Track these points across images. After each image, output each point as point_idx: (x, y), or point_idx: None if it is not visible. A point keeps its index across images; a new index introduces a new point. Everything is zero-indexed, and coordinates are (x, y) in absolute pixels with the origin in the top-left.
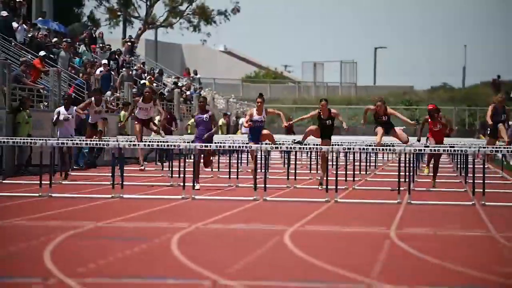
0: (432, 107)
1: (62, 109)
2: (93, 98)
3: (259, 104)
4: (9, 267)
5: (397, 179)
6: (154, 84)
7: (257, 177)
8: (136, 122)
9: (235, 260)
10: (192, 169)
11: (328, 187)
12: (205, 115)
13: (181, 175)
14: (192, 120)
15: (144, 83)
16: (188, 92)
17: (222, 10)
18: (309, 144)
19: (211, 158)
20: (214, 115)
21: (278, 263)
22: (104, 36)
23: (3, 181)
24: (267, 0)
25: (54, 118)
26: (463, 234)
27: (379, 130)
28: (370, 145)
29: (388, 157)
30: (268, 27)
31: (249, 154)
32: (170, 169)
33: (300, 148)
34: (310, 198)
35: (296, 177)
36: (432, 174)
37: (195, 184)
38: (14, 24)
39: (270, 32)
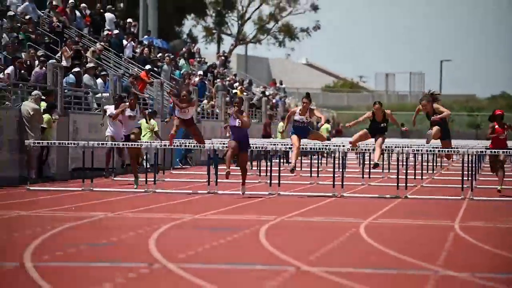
0: (500, 112)
1: (111, 107)
2: (127, 104)
3: (304, 104)
4: (119, 253)
5: (461, 178)
6: (245, 93)
7: (335, 175)
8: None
9: (315, 249)
10: (277, 169)
11: (399, 184)
12: (238, 121)
13: (268, 174)
14: (281, 124)
15: (236, 92)
16: (274, 100)
17: (304, 27)
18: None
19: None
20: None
21: (354, 252)
22: (200, 51)
23: (114, 178)
24: (344, 19)
25: (103, 116)
26: None
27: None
28: (436, 147)
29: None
30: (345, 42)
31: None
32: (258, 168)
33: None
34: (382, 194)
35: (370, 176)
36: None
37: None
38: (124, 42)
39: (346, 46)
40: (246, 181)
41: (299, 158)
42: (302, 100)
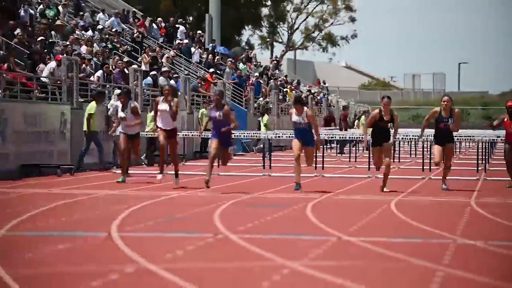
0: (511, 104)
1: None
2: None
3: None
4: (189, 226)
5: (476, 161)
6: (293, 92)
7: (370, 160)
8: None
9: (354, 222)
10: (321, 154)
11: (424, 167)
12: (218, 113)
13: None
14: (266, 117)
15: (286, 91)
16: (318, 97)
17: (344, 36)
18: (409, 135)
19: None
20: (229, 110)
21: (386, 224)
22: (256, 56)
23: (185, 164)
24: (378, 28)
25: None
26: None
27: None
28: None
29: (468, 145)
30: (378, 47)
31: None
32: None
33: (403, 137)
34: (410, 176)
35: (400, 160)
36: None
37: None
38: (192, 49)
39: (379, 50)
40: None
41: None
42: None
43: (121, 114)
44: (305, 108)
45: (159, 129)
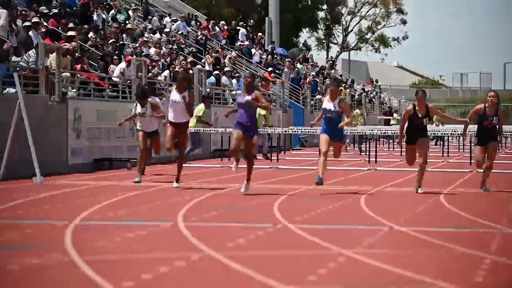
0: None
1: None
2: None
3: (332, 88)
4: (250, 216)
5: None
6: (348, 90)
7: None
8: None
9: (405, 213)
10: (374, 149)
11: (471, 161)
12: (247, 97)
13: (367, 153)
14: (357, 111)
15: (341, 89)
16: (371, 95)
17: (396, 37)
18: (456, 131)
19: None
20: (260, 95)
21: (436, 215)
22: (313, 57)
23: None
24: (427, 29)
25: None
26: None
27: None
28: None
29: None
30: (428, 48)
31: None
32: (359, 147)
33: (451, 133)
34: (458, 169)
35: (449, 154)
36: None
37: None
38: (253, 50)
39: (429, 50)
40: (251, 175)
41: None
42: (330, 86)
43: (139, 109)
44: (341, 95)
45: (168, 124)
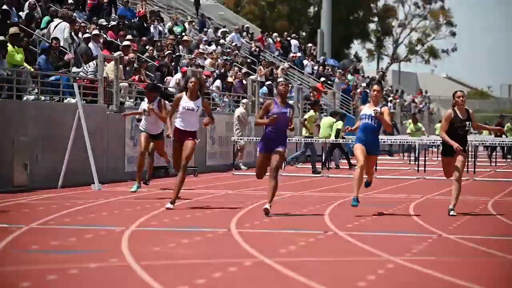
0: None
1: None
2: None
3: (375, 93)
4: (300, 223)
5: None
6: (397, 100)
7: (468, 163)
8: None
9: (453, 221)
10: (423, 159)
11: None
12: (285, 109)
13: (416, 162)
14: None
15: (390, 100)
16: (421, 106)
17: (445, 49)
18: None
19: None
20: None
21: (484, 223)
22: (364, 68)
23: (297, 166)
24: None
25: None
26: None
27: None
28: None
29: None
30: (477, 59)
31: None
32: (409, 157)
33: (498, 143)
34: (508, 178)
35: (497, 163)
36: None
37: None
38: (305, 61)
39: (478, 62)
40: (274, 197)
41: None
42: (373, 88)
43: (144, 105)
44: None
45: (172, 133)
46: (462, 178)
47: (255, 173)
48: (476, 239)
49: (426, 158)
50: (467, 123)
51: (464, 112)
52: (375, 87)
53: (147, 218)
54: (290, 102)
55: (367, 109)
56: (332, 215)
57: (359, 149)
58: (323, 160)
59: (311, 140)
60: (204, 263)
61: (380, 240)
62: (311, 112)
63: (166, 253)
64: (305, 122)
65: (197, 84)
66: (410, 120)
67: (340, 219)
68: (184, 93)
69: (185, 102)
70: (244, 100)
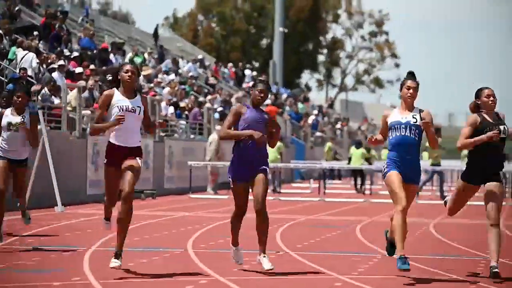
0: None
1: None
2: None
3: (410, 92)
4: (253, 244)
5: None
6: (345, 128)
7: None
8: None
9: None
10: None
11: None
12: (258, 114)
13: (362, 186)
14: (329, 144)
15: (338, 128)
16: (366, 133)
17: (390, 79)
18: None
19: None
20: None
21: (425, 243)
22: (314, 97)
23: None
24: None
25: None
26: None
27: None
28: None
29: None
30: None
31: None
32: (355, 182)
33: None
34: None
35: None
36: None
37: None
38: None
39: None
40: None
41: None
42: (406, 84)
43: (9, 117)
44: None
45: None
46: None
47: (235, 211)
48: (418, 259)
49: (372, 182)
50: (503, 127)
51: (494, 116)
52: (409, 82)
53: (108, 239)
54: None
55: (399, 115)
56: (283, 236)
57: (396, 182)
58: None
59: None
60: (162, 281)
61: (329, 260)
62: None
63: (125, 272)
64: None
65: (135, 74)
66: (354, 146)
67: (290, 239)
68: (115, 89)
69: (119, 100)
70: (218, 127)
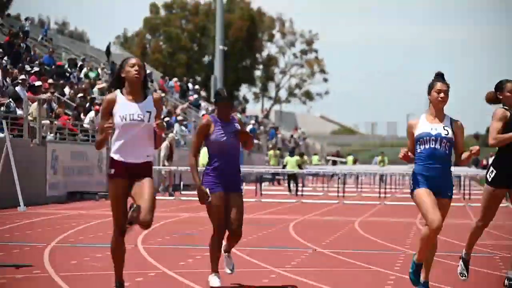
0: None
1: None
2: None
3: (441, 93)
4: (196, 240)
5: None
6: (279, 136)
7: None
8: None
9: (325, 238)
10: (301, 185)
11: None
12: (229, 126)
13: (296, 187)
14: (272, 152)
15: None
16: (298, 140)
17: (319, 92)
18: None
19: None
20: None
21: (351, 239)
22: (251, 108)
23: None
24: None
25: None
26: None
27: None
28: None
29: None
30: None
31: None
32: (288, 185)
33: None
34: (370, 201)
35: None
36: None
37: None
38: (201, 102)
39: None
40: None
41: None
42: (435, 86)
43: None
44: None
45: (113, 170)
46: (335, 202)
47: (213, 230)
48: (345, 253)
49: (304, 184)
50: None
51: None
52: (439, 84)
53: (66, 236)
54: None
55: (428, 124)
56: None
57: (427, 202)
58: None
59: None
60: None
61: (265, 254)
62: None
63: (81, 266)
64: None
65: (144, 70)
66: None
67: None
68: (118, 91)
69: (124, 106)
70: (170, 135)
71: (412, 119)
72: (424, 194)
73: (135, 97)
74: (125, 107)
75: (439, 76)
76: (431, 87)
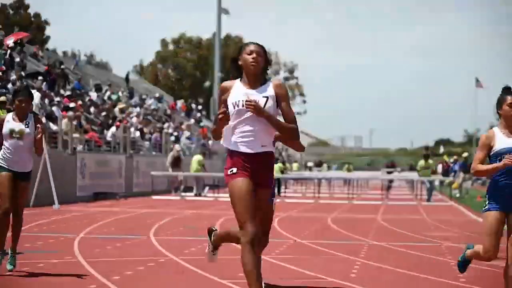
0: None
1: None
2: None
3: None
4: (197, 231)
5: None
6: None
7: None
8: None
9: (304, 230)
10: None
11: None
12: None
13: (284, 189)
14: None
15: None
16: (280, 149)
17: (299, 112)
18: None
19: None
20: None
21: (324, 232)
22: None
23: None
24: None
25: None
26: None
27: None
28: None
29: None
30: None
31: None
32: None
33: None
34: (341, 200)
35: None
36: None
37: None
38: (203, 120)
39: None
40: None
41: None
42: (507, 101)
43: (12, 124)
44: None
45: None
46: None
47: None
48: (319, 243)
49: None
50: None
51: None
52: (509, 98)
53: (92, 228)
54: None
55: (506, 139)
56: (221, 226)
57: (492, 227)
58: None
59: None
60: (131, 260)
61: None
62: (199, 156)
63: (104, 253)
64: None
65: (263, 57)
66: None
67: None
68: (237, 80)
69: (236, 92)
70: (177, 146)
71: (489, 132)
72: (492, 219)
73: (252, 84)
74: (237, 94)
75: (508, 89)
76: (500, 102)
